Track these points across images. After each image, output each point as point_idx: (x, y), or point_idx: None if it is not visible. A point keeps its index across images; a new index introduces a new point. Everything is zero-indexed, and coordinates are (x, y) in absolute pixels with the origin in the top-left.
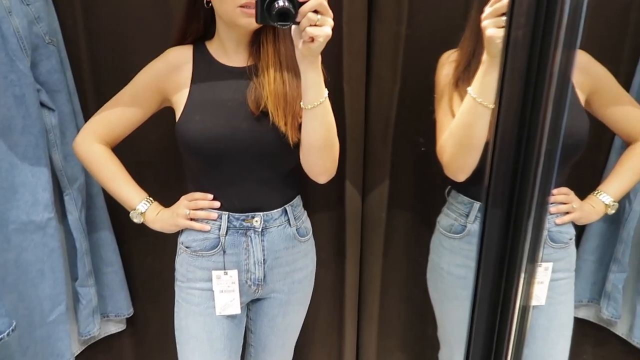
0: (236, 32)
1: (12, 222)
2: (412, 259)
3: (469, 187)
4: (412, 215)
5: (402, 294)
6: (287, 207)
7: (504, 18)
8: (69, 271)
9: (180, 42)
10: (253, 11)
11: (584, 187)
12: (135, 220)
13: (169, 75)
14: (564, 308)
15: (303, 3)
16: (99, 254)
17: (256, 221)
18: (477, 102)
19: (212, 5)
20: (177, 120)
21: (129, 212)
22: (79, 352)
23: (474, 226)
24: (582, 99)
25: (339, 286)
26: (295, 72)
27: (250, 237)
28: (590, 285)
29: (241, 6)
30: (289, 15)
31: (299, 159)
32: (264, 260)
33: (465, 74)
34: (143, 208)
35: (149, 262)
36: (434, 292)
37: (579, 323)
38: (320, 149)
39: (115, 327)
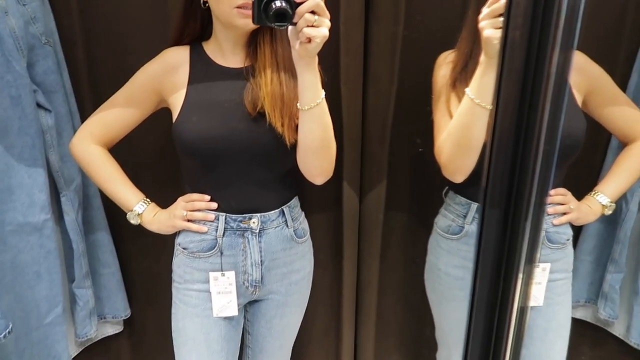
0: (233, 33)
1: (8, 224)
2: (409, 260)
3: (467, 188)
4: (410, 216)
5: (399, 295)
6: (285, 208)
7: (502, 19)
8: (66, 273)
9: (177, 42)
10: (250, 12)
11: (581, 187)
12: (132, 221)
13: (166, 76)
14: (561, 309)
15: (300, 4)
16: (96, 255)
17: (253, 222)
18: (475, 103)
19: (209, 5)
20: (174, 121)
21: (126, 214)
22: (75, 354)
23: (472, 227)
24: (579, 99)
25: (337, 287)
26: (292, 73)
27: (247, 238)
28: (588, 286)
29: (238, 7)
30: (286, 16)
31: (296, 160)
32: (261, 261)
33: (462, 75)
34: (140, 209)
35: (146, 264)
36: (431, 293)
37: (576, 323)
38: (317, 150)
39: (112, 329)
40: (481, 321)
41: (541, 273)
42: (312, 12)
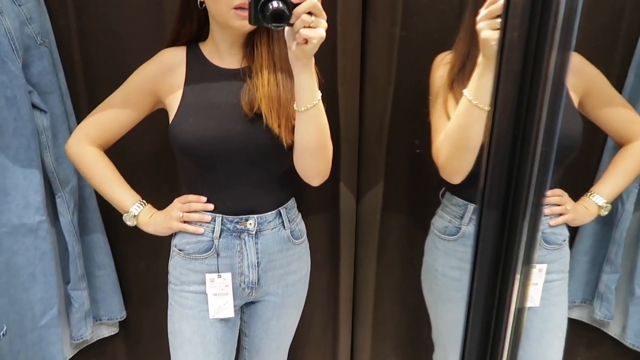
0: (230, 34)
1: (3, 225)
2: (406, 261)
3: (464, 189)
4: (407, 217)
5: (396, 296)
6: (282, 209)
7: (499, 20)
8: (61, 274)
9: (174, 43)
10: (247, 13)
11: (577, 188)
12: (128, 223)
13: (162, 77)
14: (557, 309)
15: (297, 4)
16: (92, 256)
17: (250, 224)
18: (472, 105)
19: (205, 6)
20: (170, 122)
21: (122, 215)
22: (71, 356)
23: (469, 228)
24: (575, 100)
25: (333, 288)
26: (289, 74)
27: (244, 239)
28: (583, 286)
29: (235, 8)
30: (283, 17)
31: (293, 161)
32: (257, 263)
33: (460, 76)
34: (136, 211)
35: (142, 265)
36: (428, 294)
37: (572, 324)
38: (313, 152)
39: (107, 331)
40: (478, 322)
41: (538, 274)
42: (309, 13)
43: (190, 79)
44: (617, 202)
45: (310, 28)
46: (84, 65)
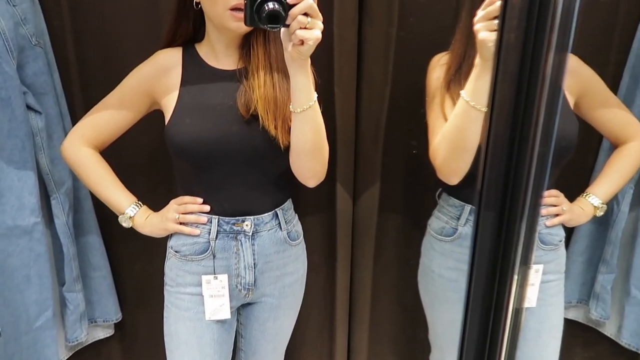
0: (226, 35)
1: None
2: (403, 262)
3: (460, 190)
4: (403, 218)
5: (393, 297)
6: (278, 210)
7: (496, 21)
8: (56, 276)
9: (170, 44)
10: (243, 14)
11: (573, 189)
12: (124, 224)
13: (158, 78)
14: (554, 310)
15: (293, 5)
16: (87, 258)
17: (247, 225)
18: (470, 106)
19: (201, 7)
20: (166, 123)
21: (117, 216)
22: (66, 358)
23: (465, 229)
24: (571, 101)
25: (330, 289)
26: (286, 75)
27: (240, 241)
28: (579, 287)
29: (232, 9)
30: (278, 18)
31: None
32: (254, 264)
33: (456, 77)
34: (132, 212)
35: (137, 267)
36: (425, 295)
37: (568, 324)
38: (309, 153)
39: (103, 333)
40: (476, 323)
41: (534, 274)
42: (305, 14)
43: (186, 80)
44: (612, 203)
45: (306, 29)
46: (79, 66)
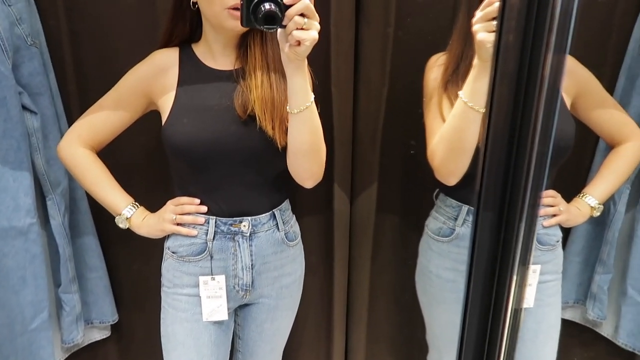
0: (223, 35)
1: None
2: (400, 263)
3: (458, 191)
4: (401, 218)
5: (390, 297)
6: (276, 211)
7: (495, 22)
8: (52, 277)
9: (166, 44)
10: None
11: (570, 189)
12: (121, 225)
13: (155, 79)
14: (551, 310)
15: (289, 6)
16: (83, 259)
17: (244, 226)
18: (468, 107)
19: (198, 7)
20: (163, 124)
21: (114, 217)
22: None
23: (463, 229)
24: (567, 102)
25: (328, 290)
26: (283, 76)
27: (238, 241)
28: (576, 287)
29: (229, 8)
30: (275, 19)
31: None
32: (252, 265)
33: (454, 77)
34: (129, 213)
35: (134, 268)
36: (422, 296)
37: (564, 324)
38: (306, 154)
39: (99, 334)
40: (475, 323)
41: (531, 275)
42: (302, 15)
43: (183, 81)
44: (609, 203)
45: (302, 30)
46: (75, 66)
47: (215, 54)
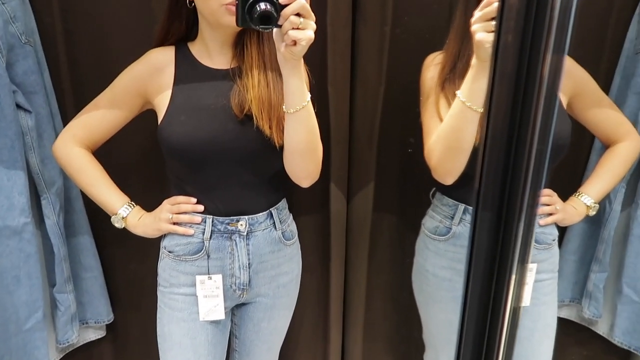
0: (220, 33)
1: None
2: (397, 262)
3: (454, 190)
4: (397, 217)
5: (387, 296)
6: (273, 210)
7: (494, 22)
8: (47, 277)
9: (162, 43)
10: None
11: (566, 188)
12: (117, 225)
13: (151, 78)
14: (547, 309)
15: (285, 6)
16: (78, 259)
17: (241, 225)
18: (466, 106)
19: (194, 5)
20: (159, 123)
21: (109, 217)
22: None
23: (459, 228)
24: (564, 101)
25: (324, 289)
26: (280, 75)
27: (235, 241)
28: (572, 285)
29: (226, 4)
30: (270, 19)
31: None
32: (249, 264)
33: (451, 76)
34: (125, 213)
35: (130, 267)
36: (419, 295)
37: (560, 323)
38: (303, 153)
39: (94, 334)
40: (473, 322)
41: (528, 273)
42: (298, 15)
43: (179, 79)
44: (604, 202)
45: (298, 29)
46: (70, 65)
47: (212, 52)
